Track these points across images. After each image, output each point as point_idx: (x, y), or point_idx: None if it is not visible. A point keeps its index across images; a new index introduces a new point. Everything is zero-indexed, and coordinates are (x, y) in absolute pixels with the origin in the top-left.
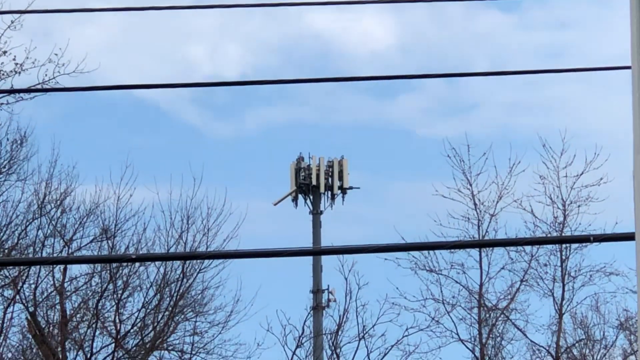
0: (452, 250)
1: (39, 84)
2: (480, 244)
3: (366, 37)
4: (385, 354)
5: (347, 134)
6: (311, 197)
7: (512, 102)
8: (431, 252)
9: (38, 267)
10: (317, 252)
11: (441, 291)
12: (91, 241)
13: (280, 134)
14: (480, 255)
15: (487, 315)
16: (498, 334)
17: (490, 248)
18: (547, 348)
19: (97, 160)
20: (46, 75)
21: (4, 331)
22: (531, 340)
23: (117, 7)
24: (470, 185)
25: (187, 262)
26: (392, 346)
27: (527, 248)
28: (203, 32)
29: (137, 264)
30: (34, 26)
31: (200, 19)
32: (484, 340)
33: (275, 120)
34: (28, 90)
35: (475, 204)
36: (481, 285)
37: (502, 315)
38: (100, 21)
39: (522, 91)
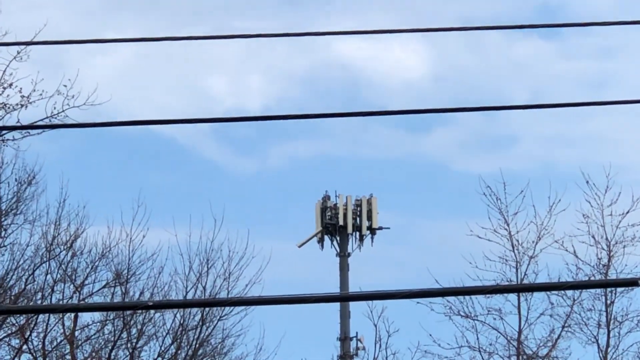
0: (489, 295)
1: (47, 117)
2: (519, 289)
3: (398, 66)
4: None
5: (377, 170)
6: (338, 239)
7: (552, 135)
8: (467, 296)
9: (47, 314)
10: (344, 298)
11: (477, 338)
12: (103, 286)
13: (305, 171)
14: (518, 299)
15: None
16: None
17: (530, 292)
18: None
19: (109, 200)
20: (55, 108)
21: None
22: None
23: (132, 38)
24: (508, 225)
25: (207, 308)
26: None
27: (570, 292)
28: (223, 63)
29: (152, 311)
30: (41, 57)
31: (220, 49)
32: None
33: (300, 156)
34: (37, 127)
35: (513, 245)
36: (520, 332)
37: None
38: (114, 51)
39: (563, 124)
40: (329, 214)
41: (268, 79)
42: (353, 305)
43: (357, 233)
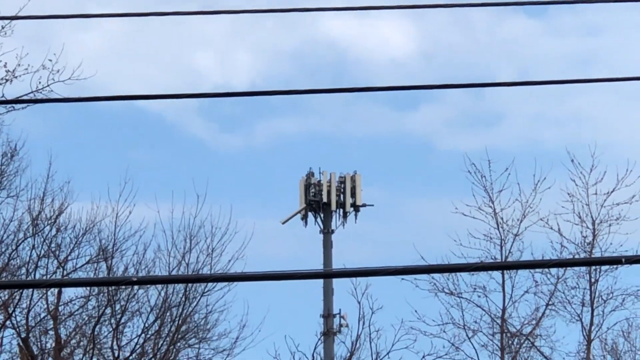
0: (474, 272)
1: (32, 92)
2: (504, 266)
3: (385, 44)
4: None
5: (363, 147)
6: (322, 215)
7: (538, 113)
8: (452, 274)
9: (31, 289)
10: (329, 274)
11: (462, 315)
12: (87, 262)
13: (291, 147)
14: (503, 277)
15: (511, 341)
16: None
17: (514, 270)
18: None
19: (94, 175)
20: (40, 82)
21: None
22: None
23: (118, 13)
24: (493, 202)
25: (190, 284)
26: None
27: (554, 270)
28: (211, 40)
29: (136, 287)
30: (27, 32)
31: (207, 25)
32: None
33: (286, 133)
34: (22, 101)
35: (497, 223)
36: (504, 310)
37: (526, 342)
38: (101, 27)
39: (549, 102)
40: (313, 190)
41: (255, 55)
42: (337, 282)
43: (341, 210)
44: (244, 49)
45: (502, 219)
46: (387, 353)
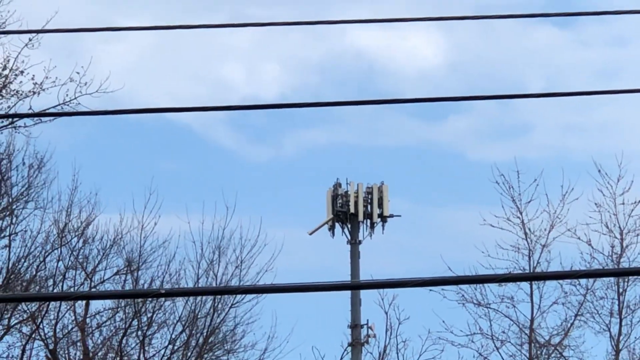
0: (502, 283)
1: (59, 104)
2: (532, 277)
3: (412, 55)
4: None
5: (391, 158)
6: (349, 226)
7: (566, 124)
8: (480, 284)
9: (59, 302)
10: (356, 286)
11: (490, 326)
12: (115, 274)
13: (319, 159)
14: (531, 288)
15: (539, 352)
16: None
17: (542, 281)
18: None
19: (122, 187)
20: (67, 95)
21: None
22: None
23: (146, 26)
24: (521, 213)
25: (218, 296)
26: None
27: (582, 280)
28: (239, 52)
29: (163, 298)
30: (54, 45)
31: (235, 37)
32: None
33: (314, 144)
34: (51, 114)
35: (525, 234)
36: (532, 320)
37: (554, 352)
38: (129, 39)
39: (577, 112)
40: (340, 201)
41: (283, 67)
42: (364, 293)
43: (368, 221)
44: (272, 60)
45: (530, 229)
46: None
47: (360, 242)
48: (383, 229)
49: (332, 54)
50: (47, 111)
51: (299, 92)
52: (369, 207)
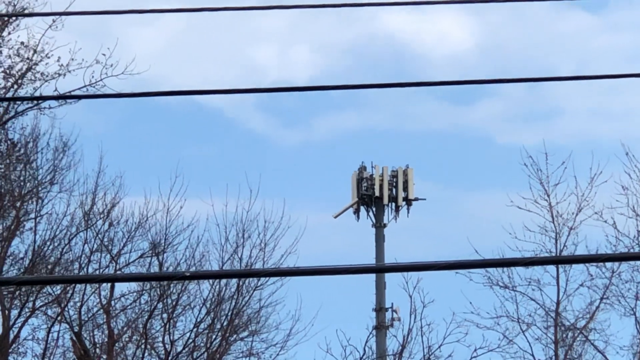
0: (528, 266)
1: (84, 86)
2: (558, 260)
3: (443, 39)
4: None
5: (420, 141)
6: (374, 209)
7: (595, 108)
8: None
9: (84, 284)
10: (382, 269)
11: (517, 308)
12: (140, 257)
13: (349, 142)
14: (557, 271)
15: (565, 335)
16: (576, 356)
17: (569, 264)
18: None
19: (148, 170)
20: (92, 77)
21: (49, 352)
22: None
23: (176, 9)
24: (548, 196)
25: (243, 279)
26: None
27: (609, 264)
28: (270, 34)
29: (188, 281)
30: (80, 26)
31: (267, 20)
32: None
33: (345, 127)
34: (77, 97)
35: (553, 216)
36: (558, 303)
37: (580, 336)
38: (159, 22)
39: (606, 96)
40: (365, 184)
41: (314, 50)
42: (388, 276)
43: (393, 204)
44: (303, 43)
45: (557, 212)
46: (439, 347)
47: (385, 225)
48: (408, 212)
49: (362, 38)
50: (72, 93)
51: (330, 76)
52: (394, 190)
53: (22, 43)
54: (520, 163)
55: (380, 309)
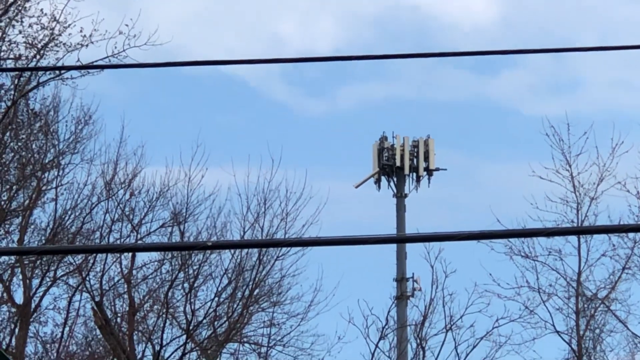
0: (550, 236)
1: (107, 57)
2: (579, 231)
3: (467, 9)
4: (474, 347)
5: (444, 111)
6: (395, 179)
7: (619, 79)
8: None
9: (105, 254)
10: (403, 239)
11: (537, 279)
12: (161, 226)
13: (372, 112)
14: (579, 241)
15: (586, 305)
16: (597, 326)
17: (590, 234)
18: None
19: (171, 140)
20: (115, 47)
21: (70, 321)
22: (633, 333)
23: None
24: (570, 166)
25: (264, 249)
26: (482, 338)
27: (630, 234)
28: (294, 6)
29: (209, 251)
30: None
31: None
32: (581, 332)
33: (368, 98)
34: (100, 67)
35: (574, 186)
36: (579, 273)
37: (601, 306)
38: None
39: (630, 68)
40: (386, 154)
41: (338, 21)
42: (410, 247)
43: (414, 174)
44: (327, 14)
45: (579, 182)
46: (461, 317)
47: (406, 195)
48: (429, 182)
49: (387, 8)
50: (94, 63)
51: (354, 46)
52: (415, 160)
53: (42, 11)
54: (542, 134)
55: (401, 279)
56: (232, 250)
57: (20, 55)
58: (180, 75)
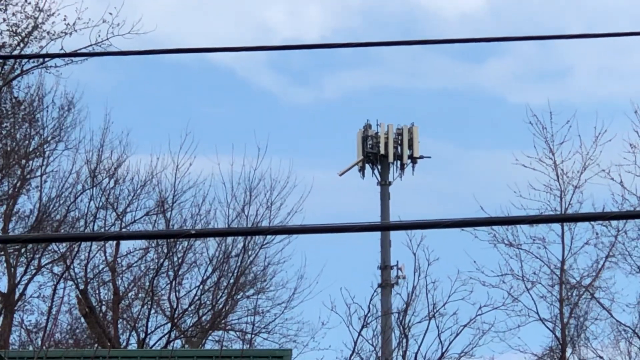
0: (533, 224)
1: (90, 45)
2: (563, 219)
3: None
4: (457, 334)
5: (431, 100)
6: (379, 167)
7: (605, 67)
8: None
9: (89, 242)
10: (387, 227)
11: (521, 266)
12: (146, 214)
13: (359, 100)
14: (562, 229)
15: (570, 293)
16: (581, 313)
17: (573, 222)
18: (634, 328)
19: (156, 129)
20: (99, 36)
21: (54, 309)
22: (617, 320)
23: None
24: (553, 154)
25: (249, 237)
26: (465, 325)
27: (614, 222)
28: None
29: (194, 239)
30: None
31: None
32: (565, 320)
33: (355, 86)
34: (89, 55)
35: (557, 175)
36: (563, 261)
37: (585, 293)
38: None
39: (616, 56)
40: (370, 142)
41: (325, 9)
42: (394, 235)
43: (398, 162)
44: (314, 2)
45: (562, 170)
46: (444, 304)
47: (390, 183)
48: (413, 170)
49: None
50: (79, 51)
51: (341, 35)
52: (399, 148)
53: (26, 1)
54: (526, 122)
55: (385, 267)
56: (217, 239)
57: (3, 44)
58: (166, 64)
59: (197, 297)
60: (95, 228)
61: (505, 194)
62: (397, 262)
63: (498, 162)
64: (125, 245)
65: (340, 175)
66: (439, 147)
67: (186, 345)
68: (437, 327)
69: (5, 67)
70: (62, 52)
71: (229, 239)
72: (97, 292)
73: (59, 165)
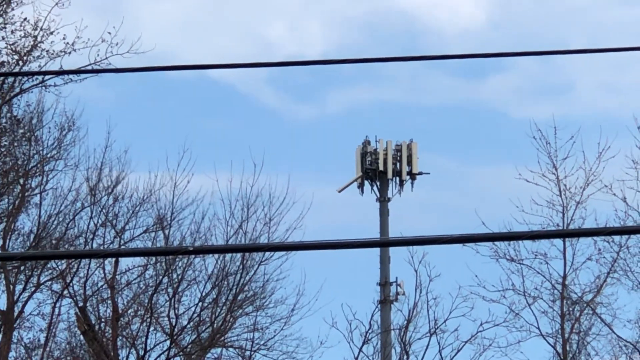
0: (535, 239)
1: (89, 64)
2: (565, 234)
3: (456, 13)
4: (458, 350)
5: (433, 116)
6: (378, 183)
7: (607, 82)
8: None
9: (88, 259)
10: (386, 243)
11: (523, 282)
12: (145, 231)
13: (361, 116)
14: (564, 244)
15: (571, 308)
16: (582, 329)
17: (575, 237)
18: (635, 344)
19: (156, 146)
20: (98, 55)
21: (53, 327)
22: (618, 336)
23: None
24: (556, 169)
25: (248, 253)
26: (466, 342)
27: (617, 238)
28: (283, 10)
29: (193, 256)
30: (89, 4)
31: None
32: (567, 335)
33: (357, 102)
34: (89, 72)
35: (560, 190)
36: (565, 277)
37: (587, 309)
38: None
39: (618, 71)
40: (369, 159)
41: (327, 25)
42: (393, 251)
43: (397, 178)
44: (316, 19)
45: (565, 186)
46: (445, 321)
47: (389, 199)
48: (412, 186)
49: (375, 13)
50: (84, 69)
51: (343, 51)
52: (398, 164)
53: (25, 19)
54: (529, 137)
55: (385, 283)
56: (216, 255)
57: (2, 62)
58: (167, 82)
59: (196, 314)
60: (95, 245)
61: (508, 208)
62: (397, 278)
63: (500, 177)
64: (125, 262)
65: (339, 191)
66: (442, 163)
67: None
68: (439, 343)
69: (5, 85)
70: (61, 69)
71: (227, 256)
72: (96, 309)
73: (59, 183)
